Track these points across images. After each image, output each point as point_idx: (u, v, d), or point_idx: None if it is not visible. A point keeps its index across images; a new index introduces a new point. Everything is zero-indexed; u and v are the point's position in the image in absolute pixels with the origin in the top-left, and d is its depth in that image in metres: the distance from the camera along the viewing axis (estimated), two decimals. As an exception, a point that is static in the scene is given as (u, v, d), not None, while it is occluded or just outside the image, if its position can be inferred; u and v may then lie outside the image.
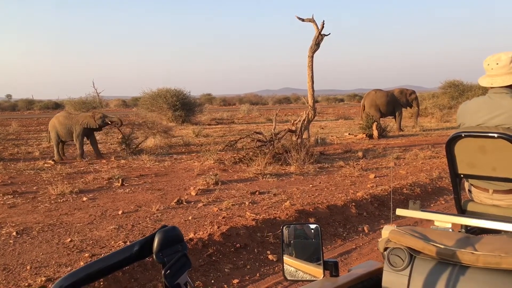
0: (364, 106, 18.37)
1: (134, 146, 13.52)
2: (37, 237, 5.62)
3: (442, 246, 1.50)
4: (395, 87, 20.23)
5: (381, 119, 18.36)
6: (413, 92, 19.60)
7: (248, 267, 4.94)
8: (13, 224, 6.16)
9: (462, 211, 2.68)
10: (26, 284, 4.12)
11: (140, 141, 14.17)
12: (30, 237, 5.64)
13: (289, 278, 1.60)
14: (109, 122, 12.53)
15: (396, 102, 18.74)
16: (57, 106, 52.34)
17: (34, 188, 8.66)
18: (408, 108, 19.85)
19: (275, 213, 6.26)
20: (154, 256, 0.86)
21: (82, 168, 10.90)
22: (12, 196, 7.96)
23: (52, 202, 7.53)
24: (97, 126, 12.37)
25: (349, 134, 17.81)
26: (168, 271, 0.84)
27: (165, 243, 0.86)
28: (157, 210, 6.82)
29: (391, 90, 19.29)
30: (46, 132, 13.03)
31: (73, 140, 12.51)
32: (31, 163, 11.53)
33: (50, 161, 11.76)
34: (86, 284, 0.87)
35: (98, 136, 18.34)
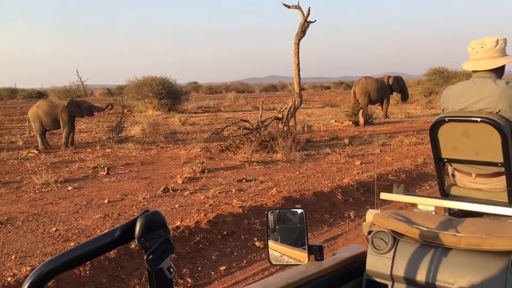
0: (355, 93, 18.38)
1: (119, 136, 13.41)
2: (21, 227, 5.56)
3: (425, 229, 1.51)
4: (382, 74, 20.33)
5: (368, 106, 18.42)
6: (401, 78, 19.78)
7: (235, 254, 4.96)
8: (-3, 214, 6.09)
9: (445, 195, 2.71)
10: (11, 273, 4.08)
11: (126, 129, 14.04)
12: (15, 227, 5.58)
13: (274, 263, 1.60)
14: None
15: (385, 89, 18.81)
16: (40, 95, 51.34)
17: (18, 177, 8.55)
18: (398, 93, 20.01)
19: (261, 201, 6.28)
20: (136, 241, 0.85)
21: (66, 157, 10.79)
22: (-5, 186, 7.85)
23: (37, 191, 7.44)
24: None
25: (335, 121, 17.86)
26: (151, 256, 0.83)
27: (147, 228, 0.85)
28: (144, 198, 6.79)
29: (380, 77, 19.35)
30: (27, 122, 12.82)
31: (57, 129, 12.56)
32: (14, 153, 11.37)
33: (34, 151, 11.60)
34: (68, 269, 0.86)
35: (83, 125, 18.19)
